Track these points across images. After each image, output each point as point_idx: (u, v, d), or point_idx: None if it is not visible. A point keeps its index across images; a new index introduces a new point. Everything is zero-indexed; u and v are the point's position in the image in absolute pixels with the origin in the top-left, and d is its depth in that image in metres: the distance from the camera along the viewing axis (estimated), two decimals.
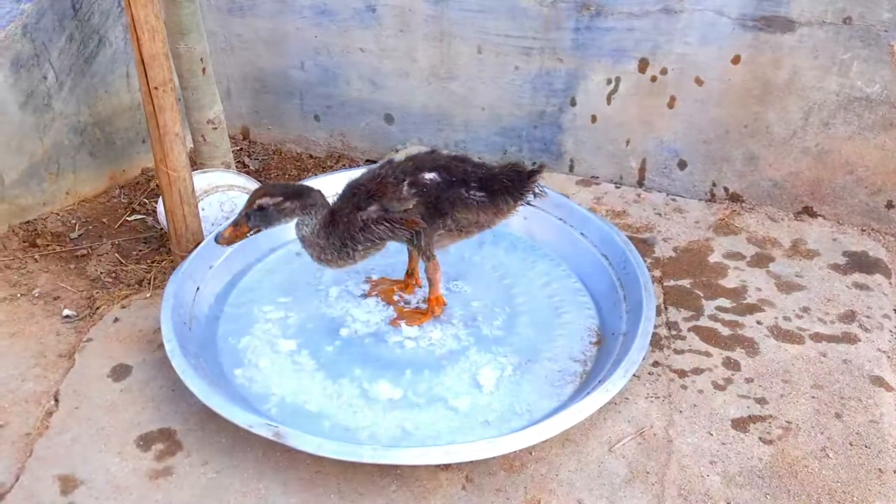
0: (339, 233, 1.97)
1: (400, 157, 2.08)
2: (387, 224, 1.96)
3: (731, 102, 2.63)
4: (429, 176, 1.99)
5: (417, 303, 2.27)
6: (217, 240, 1.96)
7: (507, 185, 2.01)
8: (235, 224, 1.93)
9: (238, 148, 3.31)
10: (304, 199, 1.94)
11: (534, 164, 2.04)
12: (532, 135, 2.94)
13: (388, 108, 3.11)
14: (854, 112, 2.50)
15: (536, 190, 2.05)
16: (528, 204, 2.08)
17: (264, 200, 1.91)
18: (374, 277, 2.37)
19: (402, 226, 1.96)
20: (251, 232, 1.94)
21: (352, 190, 2.01)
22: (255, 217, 1.93)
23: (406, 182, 1.96)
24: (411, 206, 1.96)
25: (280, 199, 1.92)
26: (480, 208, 2.02)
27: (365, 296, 2.29)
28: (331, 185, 2.48)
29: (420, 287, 2.32)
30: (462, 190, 1.99)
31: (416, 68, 2.96)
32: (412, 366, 2.05)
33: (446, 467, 1.77)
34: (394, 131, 3.14)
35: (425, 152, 2.09)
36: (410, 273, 2.31)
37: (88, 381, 1.98)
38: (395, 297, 2.28)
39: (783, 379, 2.04)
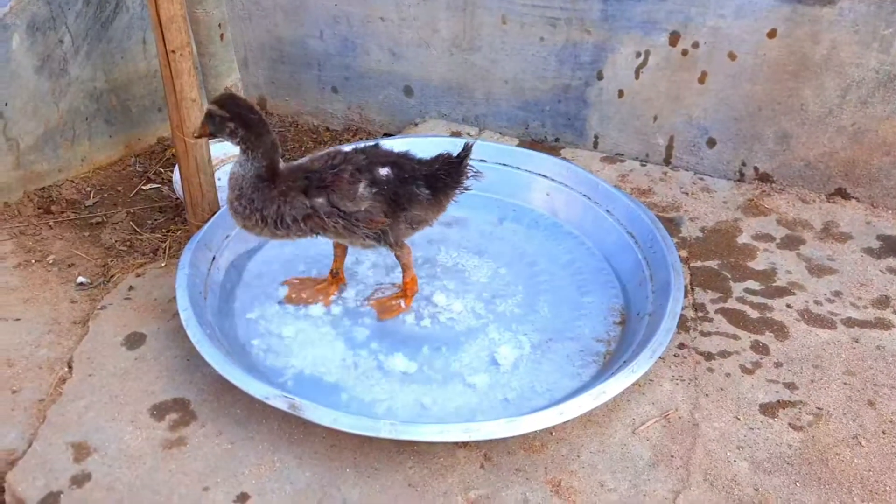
0: (266, 202, 1.85)
1: (346, 148, 1.99)
2: (342, 221, 1.86)
3: (764, 78, 2.54)
4: (383, 171, 1.90)
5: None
6: (192, 133, 1.90)
7: (446, 181, 1.94)
8: (203, 123, 1.87)
9: None
10: (250, 131, 1.82)
11: (465, 146, 1.96)
12: (556, 109, 2.86)
13: (408, 80, 3.04)
14: (894, 90, 2.41)
15: (470, 173, 1.97)
16: (466, 190, 1.99)
17: (213, 107, 1.83)
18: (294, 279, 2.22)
19: (364, 225, 1.88)
20: (212, 135, 1.87)
21: (304, 171, 1.90)
22: (208, 121, 1.85)
23: (362, 183, 1.86)
24: (363, 209, 1.87)
25: (226, 115, 1.82)
26: (428, 206, 1.95)
27: (282, 303, 2.12)
28: None
29: (345, 284, 2.19)
30: (412, 187, 1.92)
31: (438, 39, 2.89)
32: (430, 341, 2.00)
33: (464, 445, 1.73)
34: (413, 104, 3.08)
35: (371, 145, 2.00)
36: (335, 272, 2.17)
37: (102, 349, 1.95)
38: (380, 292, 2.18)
39: (814, 364, 1.97)
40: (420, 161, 1.97)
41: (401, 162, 1.94)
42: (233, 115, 1.82)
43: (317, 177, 1.87)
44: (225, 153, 2.51)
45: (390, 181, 1.90)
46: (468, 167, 1.96)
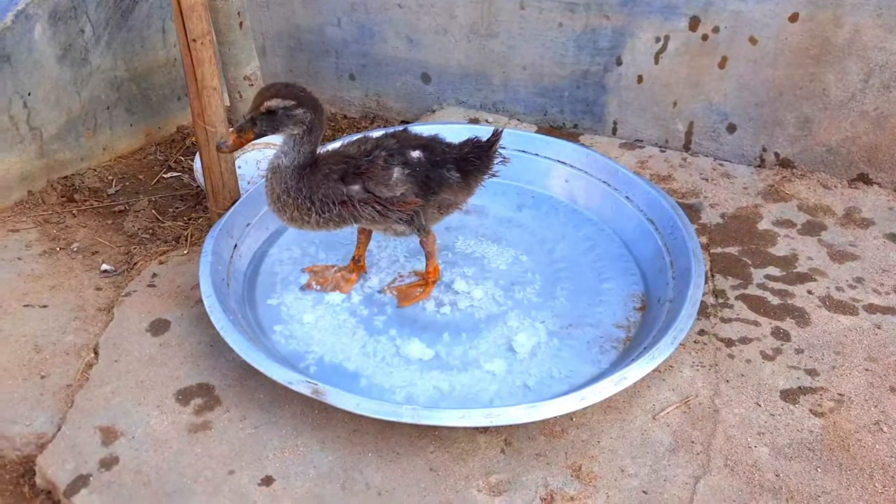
0: (313, 187, 1.81)
1: (375, 133, 1.99)
2: (378, 207, 1.85)
3: (786, 63, 2.51)
4: (415, 154, 1.90)
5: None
6: (220, 147, 1.77)
7: (476, 164, 1.95)
8: (240, 130, 1.74)
9: None
10: (319, 113, 1.76)
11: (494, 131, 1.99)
12: (574, 95, 2.85)
13: (425, 67, 3.04)
14: None
15: (500, 158, 1.99)
16: (494, 176, 2.01)
17: (274, 103, 1.71)
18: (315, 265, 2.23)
19: (398, 208, 1.87)
20: (256, 138, 1.77)
21: (343, 158, 1.87)
22: (262, 122, 1.73)
23: (396, 167, 1.85)
24: (398, 194, 1.86)
25: (293, 103, 1.72)
26: (458, 189, 1.95)
27: (303, 289, 2.13)
28: None
29: (366, 272, 2.19)
30: (443, 171, 1.92)
31: (455, 25, 2.88)
32: (450, 328, 2.02)
33: (485, 430, 1.74)
34: (430, 91, 3.07)
35: (400, 130, 1.99)
36: (357, 260, 2.16)
37: (127, 335, 1.98)
38: (402, 278, 2.19)
39: (835, 351, 1.96)
40: (450, 145, 1.98)
41: (431, 145, 1.95)
42: (300, 101, 1.73)
43: (352, 163, 1.86)
44: None
45: (422, 164, 1.90)
46: (497, 152, 1.98)
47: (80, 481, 1.61)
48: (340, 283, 2.14)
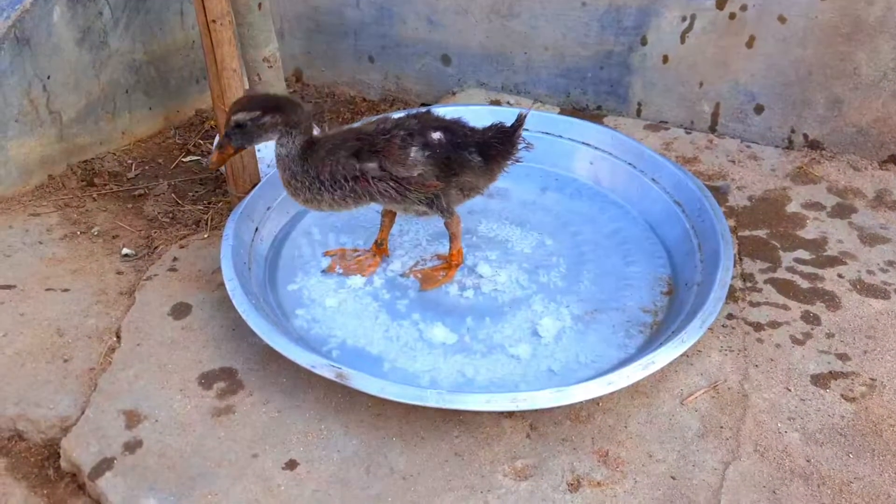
0: (319, 167, 1.83)
1: (398, 114, 1.97)
2: (394, 185, 1.84)
3: (816, 42, 2.45)
4: (436, 135, 1.87)
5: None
6: (205, 166, 1.86)
7: (499, 149, 1.92)
8: (220, 147, 1.82)
9: (291, 90, 3.24)
10: (286, 113, 1.80)
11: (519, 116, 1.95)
12: (598, 76, 2.80)
13: (445, 49, 2.99)
14: None
15: (523, 144, 1.95)
16: (518, 161, 1.97)
17: (240, 116, 1.78)
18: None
19: (416, 188, 1.85)
20: (237, 152, 1.84)
21: (355, 135, 1.87)
22: (236, 136, 1.80)
23: (414, 147, 1.83)
24: (415, 174, 1.84)
25: (258, 113, 1.77)
26: (480, 173, 1.93)
27: (325, 272, 2.12)
28: None
29: (388, 256, 2.17)
30: (465, 153, 1.89)
31: (476, 5, 2.84)
32: (473, 312, 1.99)
33: (510, 415, 1.72)
34: (450, 73, 3.04)
35: (423, 111, 1.97)
36: (380, 243, 2.14)
37: (149, 319, 1.97)
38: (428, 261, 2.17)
39: (867, 335, 1.92)
40: (473, 129, 1.95)
41: (453, 127, 1.92)
42: (264, 109, 1.79)
43: (368, 140, 1.85)
44: None
45: (443, 145, 1.87)
46: (521, 137, 1.94)
47: (105, 464, 1.61)
48: (363, 267, 2.12)
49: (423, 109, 2.02)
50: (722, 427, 1.69)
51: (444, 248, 2.20)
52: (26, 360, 1.86)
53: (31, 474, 1.67)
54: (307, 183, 1.85)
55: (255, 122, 1.79)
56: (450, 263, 2.09)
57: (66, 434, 1.68)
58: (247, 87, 2.64)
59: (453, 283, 2.09)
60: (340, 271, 2.11)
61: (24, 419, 1.73)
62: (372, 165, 1.83)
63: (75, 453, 1.64)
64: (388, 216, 2.12)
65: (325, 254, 2.18)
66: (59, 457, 1.66)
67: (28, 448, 1.72)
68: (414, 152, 1.84)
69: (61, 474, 1.66)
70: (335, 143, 1.86)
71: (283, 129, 1.82)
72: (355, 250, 2.18)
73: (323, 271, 2.12)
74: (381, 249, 2.16)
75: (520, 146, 1.96)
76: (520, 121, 1.94)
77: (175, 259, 2.19)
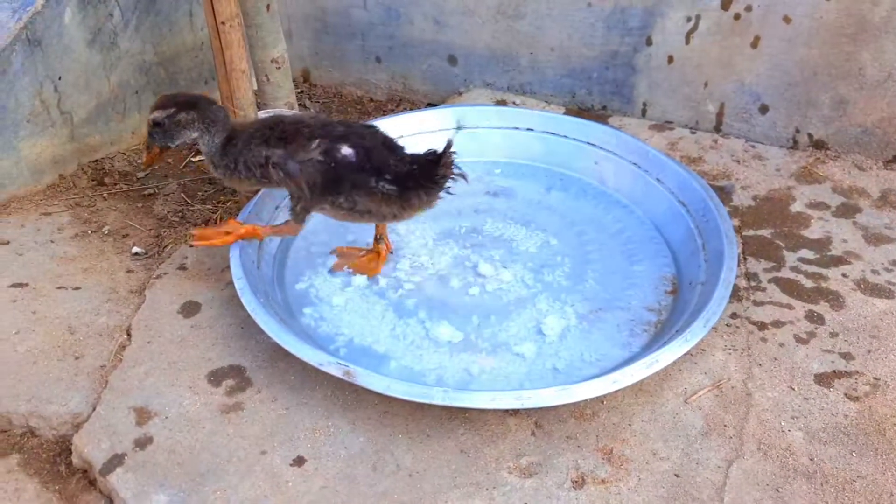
0: (237, 157, 1.88)
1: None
2: (277, 170, 1.85)
3: (821, 42, 2.46)
4: (345, 151, 1.85)
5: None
6: (140, 166, 1.93)
7: (420, 182, 1.85)
8: (147, 147, 1.89)
9: (299, 91, 3.26)
10: (200, 110, 1.85)
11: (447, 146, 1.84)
12: (603, 76, 2.82)
13: (452, 49, 3.01)
14: None
15: (452, 176, 1.85)
16: (448, 193, 1.89)
17: (156, 115, 1.84)
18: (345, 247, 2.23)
19: (289, 178, 1.86)
20: (163, 150, 1.89)
21: (276, 124, 1.90)
22: (157, 135, 1.86)
23: (317, 141, 1.84)
24: (307, 159, 1.83)
25: (172, 110, 1.84)
26: (384, 200, 1.87)
27: (332, 271, 2.13)
28: (392, 128, 2.42)
29: (391, 252, 2.17)
30: (371, 178, 1.85)
31: (482, 6, 2.85)
32: (479, 311, 2.01)
33: (515, 413, 1.74)
34: (457, 73, 3.05)
35: (366, 124, 1.95)
36: (379, 238, 2.13)
37: (159, 317, 2.00)
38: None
39: (871, 334, 1.93)
40: (402, 158, 1.89)
41: (377, 151, 1.87)
42: (180, 106, 1.84)
43: (279, 129, 1.88)
44: None
45: (343, 163, 1.84)
46: (448, 169, 1.84)
47: (116, 460, 1.64)
48: (367, 268, 2.14)
49: (371, 123, 1.98)
50: (725, 425, 1.71)
51: (448, 248, 2.22)
52: (38, 358, 1.89)
53: (43, 470, 1.70)
54: (230, 172, 1.91)
55: (171, 119, 1.85)
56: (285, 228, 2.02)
57: (78, 431, 1.71)
58: (255, 87, 2.66)
59: (456, 280, 2.10)
60: (349, 270, 2.13)
61: (36, 416, 1.75)
62: (279, 152, 1.85)
63: (87, 450, 1.66)
64: None
65: (332, 252, 2.20)
66: (71, 453, 1.69)
67: (40, 444, 1.75)
68: (315, 144, 1.84)
69: (73, 470, 1.69)
70: (251, 132, 1.89)
71: (200, 127, 1.88)
72: (361, 249, 2.20)
73: (330, 270, 2.14)
74: (380, 246, 2.16)
75: (445, 181, 1.86)
76: (445, 153, 1.83)
77: (185, 258, 2.22)
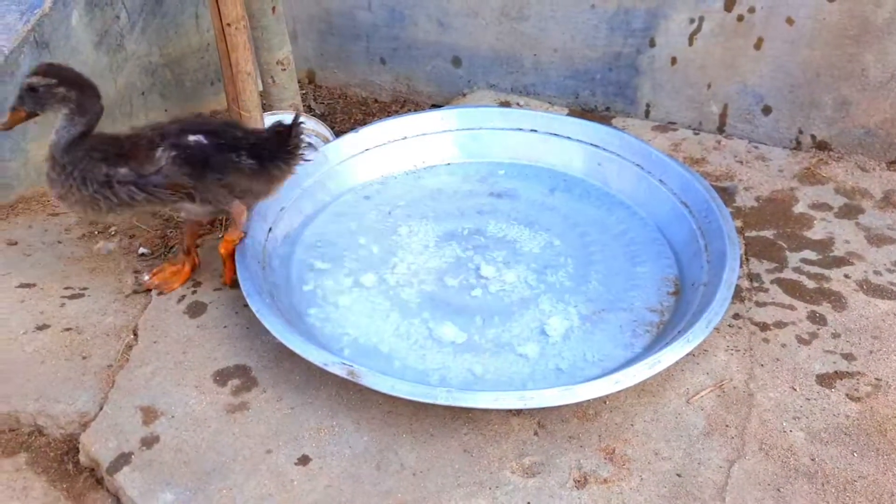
0: (75, 162, 1.81)
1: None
2: (137, 188, 1.83)
3: (824, 43, 2.46)
4: (193, 138, 1.87)
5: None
6: None
7: (274, 151, 1.92)
8: (12, 108, 1.81)
9: (304, 92, 3.28)
10: (81, 93, 1.79)
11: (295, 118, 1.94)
12: (606, 78, 2.83)
13: (456, 51, 3.03)
14: None
15: (304, 144, 1.94)
16: (305, 160, 1.97)
17: (34, 80, 1.76)
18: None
19: (166, 190, 1.85)
20: (29, 116, 1.80)
21: (112, 140, 1.87)
22: (27, 99, 1.78)
23: (161, 147, 1.84)
24: (160, 170, 1.83)
25: (54, 81, 1.76)
26: (252, 176, 1.92)
27: (141, 289, 2.10)
28: (396, 129, 2.44)
29: (198, 267, 2.15)
30: (232, 155, 1.89)
31: (486, 7, 2.86)
32: (482, 311, 2.02)
33: (518, 413, 1.75)
34: (461, 75, 3.07)
35: (193, 116, 1.98)
36: (188, 251, 2.11)
37: (165, 317, 2.01)
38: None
39: (873, 335, 1.94)
40: (247, 131, 1.99)
41: (221, 130, 1.92)
42: (61, 79, 1.78)
43: (117, 145, 1.86)
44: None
45: (200, 146, 1.86)
46: (299, 139, 1.92)
47: (123, 459, 1.65)
48: (168, 279, 2.09)
49: (195, 114, 2.01)
50: (727, 426, 1.72)
51: (451, 249, 2.24)
52: (46, 358, 1.91)
53: (50, 468, 1.72)
54: (62, 177, 1.83)
55: (49, 88, 1.77)
56: (231, 239, 2.03)
57: (85, 430, 1.73)
58: (261, 89, 2.68)
59: (460, 282, 2.12)
60: (154, 283, 2.09)
61: (44, 415, 1.77)
62: (123, 171, 1.83)
63: (94, 448, 1.68)
64: (188, 222, 2.10)
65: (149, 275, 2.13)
66: (78, 452, 1.71)
67: (48, 443, 1.77)
68: (160, 152, 1.84)
69: (80, 469, 1.71)
70: (95, 144, 1.85)
71: (71, 108, 1.80)
72: (169, 264, 2.14)
73: (135, 290, 2.10)
74: (189, 258, 2.12)
75: (298, 149, 1.94)
76: (295, 122, 1.91)
77: None
